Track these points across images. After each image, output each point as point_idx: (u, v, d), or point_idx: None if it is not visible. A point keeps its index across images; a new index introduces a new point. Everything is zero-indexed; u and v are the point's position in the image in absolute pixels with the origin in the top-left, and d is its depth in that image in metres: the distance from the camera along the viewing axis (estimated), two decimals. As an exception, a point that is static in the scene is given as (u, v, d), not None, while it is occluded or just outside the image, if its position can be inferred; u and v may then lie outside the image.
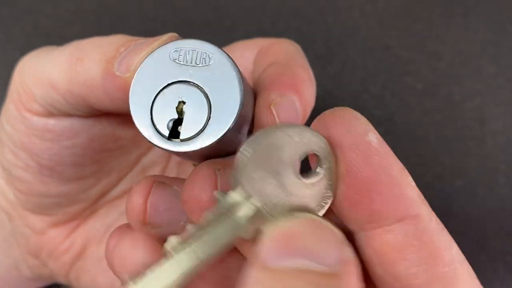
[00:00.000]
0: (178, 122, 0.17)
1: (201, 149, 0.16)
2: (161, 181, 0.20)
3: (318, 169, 0.15)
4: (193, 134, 0.16)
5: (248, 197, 0.15)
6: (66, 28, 0.35)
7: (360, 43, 0.35)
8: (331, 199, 0.16)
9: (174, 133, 0.17)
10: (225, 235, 0.15)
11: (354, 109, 0.18)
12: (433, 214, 0.15)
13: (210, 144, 0.16)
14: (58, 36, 0.35)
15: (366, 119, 0.16)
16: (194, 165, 0.20)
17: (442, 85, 0.34)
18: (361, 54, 0.35)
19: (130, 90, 0.17)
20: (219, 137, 0.16)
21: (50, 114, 0.21)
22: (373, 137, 0.16)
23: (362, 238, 0.15)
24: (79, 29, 0.35)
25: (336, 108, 0.17)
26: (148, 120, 0.17)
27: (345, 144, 0.15)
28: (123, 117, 0.23)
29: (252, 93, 0.19)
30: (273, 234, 0.14)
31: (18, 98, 0.21)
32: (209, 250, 0.15)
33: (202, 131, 0.16)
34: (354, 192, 0.15)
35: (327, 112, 0.16)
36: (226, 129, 0.16)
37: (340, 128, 0.16)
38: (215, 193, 0.16)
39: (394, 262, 0.15)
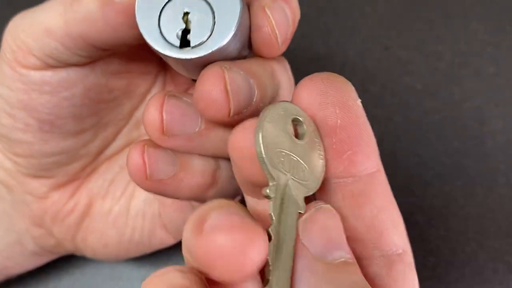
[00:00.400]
0: (186, 31, 0.18)
1: (212, 52, 0.18)
2: (172, 94, 0.21)
3: (306, 130, 0.17)
4: (202, 40, 0.18)
5: (285, 178, 0.17)
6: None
7: (360, 43, 0.35)
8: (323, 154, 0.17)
9: (184, 42, 0.18)
10: (294, 220, 0.16)
11: None
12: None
13: (220, 47, 0.18)
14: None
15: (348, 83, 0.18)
16: (193, 80, 0.21)
17: (442, 85, 0.34)
18: (360, 54, 0.35)
19: (136, 8, 0.18)
20: (227, 39, 0.18)
21: (47, 66, 0.21)
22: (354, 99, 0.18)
23: (333, 185, 0.17)
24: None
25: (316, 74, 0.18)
26: (158, 34, 0.18)
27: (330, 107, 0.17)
28: (115, 65, 0.23)
29: (247, 7, 0.20)
30: (312, 225, 0.16)
31: (12, 57, 0.21)
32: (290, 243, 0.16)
33: (210, 36, 0.18)
34: (340, 147, 0.17)
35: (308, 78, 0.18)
36: (232, 30, 0.18)
37: (332, 93, 0.18)
38: (264, 191, 0.16)
39: (360, 206, 0.17)
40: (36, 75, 0.21)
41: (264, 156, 0.16)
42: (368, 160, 0.17)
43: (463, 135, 0.32)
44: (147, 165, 0.21)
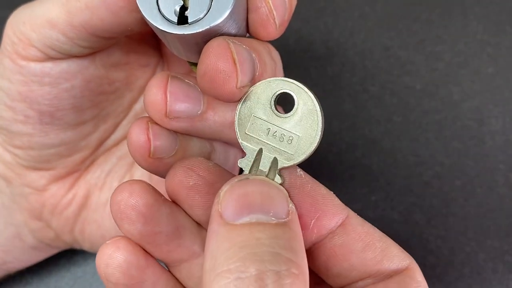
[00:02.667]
0: (184, 8, 0.18)
1: (209, 29, 0.18)
2: (175, 75, 0.21)
3: (298, 104, 0.19)
4: (199, 17, 0.18)
5: (260, 150, 0.19)
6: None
7: (360, 43, 0.35)
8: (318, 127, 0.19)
9: (182, 19, 0.18)
10: None
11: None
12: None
13: (216, 24, 0.18)
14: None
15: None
16: (190, 63, 0.22)
17: (441, 85, 0.34)
18: (360, 54, 0.35)
19: None
20: (224, 16, 0.18)
21: (47, 57, 0.21)
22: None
23: (313, 251, 0.19)
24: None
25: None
26: (156, 11, 0.18)
27: None
28: (115, 56, 0.24)
29: None
30: (230, 193, 0.17)
31: (12, 50, 0.21)
32: None
33: (207, 13, 0.18)
34: (304, 221, 0.19)
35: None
36: (229, 8, 0.18)
37: None
38: (239, 161, 0.19)
39: (345, 258, 0.19)
40: (37, 66, 0.21)
41: (236, 123, 0.19)
42: (333, 218, 0.19)
43: (462, 135, 0.32)
44: (151, 142, 0.21)
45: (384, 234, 0.19)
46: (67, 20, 0.20)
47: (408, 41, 0.35)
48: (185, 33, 0.18)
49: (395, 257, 0.19)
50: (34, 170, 0.25)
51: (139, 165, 0.21)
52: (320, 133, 0.18)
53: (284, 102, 0.20)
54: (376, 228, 0.19)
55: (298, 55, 0.35)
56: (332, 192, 0.20)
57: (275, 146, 0.19)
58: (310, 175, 0.20)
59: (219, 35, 0.19)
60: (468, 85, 0.34)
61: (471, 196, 0.31)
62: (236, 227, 0.16)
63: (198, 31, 0.18)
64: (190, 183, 0.19)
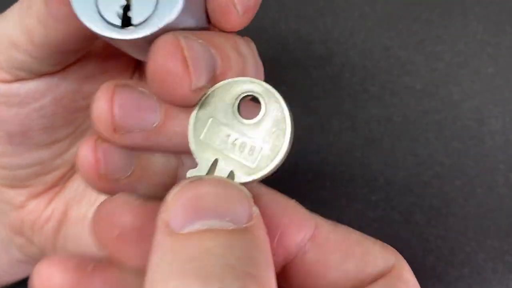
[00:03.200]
0: (127, 8, 0.15)
1: (159, 30, 0.15)
2: (124, 84, 0.18)
3: (265, 109, 0.16)
4: (146, 16, 0.15)
5: (215, 162, 0.16)
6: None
7: (359, 43, 0.35)
8: (284, 136, 0.16)
9: (126, 21, 0.15)
10: None
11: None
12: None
13: (168, 23, 0.15)
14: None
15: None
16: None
17: (441, 85, 0.34)
18: (360, 54, 0.35)
19: None
20: (175, 13, 0.15)
21: (16, 78, 0.20)
22: None
23: (287, 268, 0.17)
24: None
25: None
26: (96, 14, 0.15)
27: None
28: (90, 67, 0.22)
29: None
30: (178, 197, 0.14)
31: None
32: None
33: (155, 11, 0.15)
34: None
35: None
36: (180, 2, 0.15)
37: None
38: (188, 173, 0.16)
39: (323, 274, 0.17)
40: (3, 87, 0.20)
41: (191, 127, 0.16)
42: (300, 232, 0.17)
43: (462, 135, 0.32)
44: (101, 163, 0.18)
45: (360, 233, 0.17)
46: (27, 40, 0.19)
47: (408, 41, 0.35)
48: (130, 38, 0.15)
49: (379, 258, 0.17)
50: (11, 188, 0.24)
51: (92, 189, 0.19)
52: (286, 147, 0.16)
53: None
54: (350, 229, 0.17)
55: (297, 55, 0.35)
56: (294, 201, 0.17)
57: (234, 157, 0.16)
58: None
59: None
60: (468, 85, 0.34)
61: (471, 196, 0.31)
62: (183, 237, 0.14)
63: (145, 35, 0.15)
64: (115, 233, 0.17)
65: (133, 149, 0.19)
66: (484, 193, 0.31)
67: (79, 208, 0.25)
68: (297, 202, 0.17)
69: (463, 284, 0.29)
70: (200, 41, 0.16)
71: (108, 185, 0.19)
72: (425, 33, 0.35)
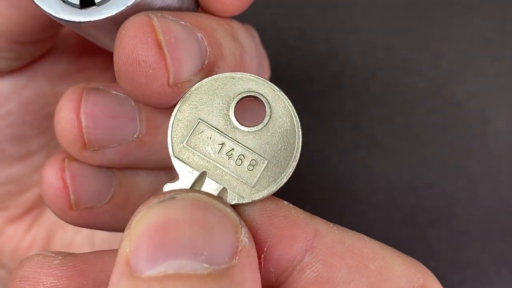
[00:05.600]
0: None
1: (127, 9, 0.12)
2: (94, 87, 0.15)
3: (268, 114, 0.13)
4: None
5: (202, 175, 0.13)
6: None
7: (362, 42, 0.35)
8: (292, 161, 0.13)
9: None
10: None
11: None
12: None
13: (136, 2, 0.12)
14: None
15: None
16: None
17: (444, 84, 0.34)
18: (363, 53, 0.35)
19: None
20: None
21: None
22: None
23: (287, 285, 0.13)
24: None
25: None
26: None
27: None
28: (63, 64, 0.19)
29: None
30: (142, 225, 0.11)
31: None
32: None
33: None
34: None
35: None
36: None
37: None
38: (165, 188, 0.13)
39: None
40: None
41: (171, 129, 0.13)
42: (294, 243, 0.13)
43: (466, 135, 0.32)
44: (69, 188, 0.15)
45: (377, 242, 0.14)
46: None
47: (411, 39, 0.35)
48: (92, 19, 0.12)
49: (402, 278, 0.13)
50: None
51: (62, 220, 0.16)
52: (295, 162, 0.13)
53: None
54: (362, 236, 0.14)
55: (299, 53, 0.35)
56: (286, 203, 0.14)
57: (228, 170, 0.13)
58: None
59: None
60: (471, 85, 0.34)
61: (475, 197, 0.31)
62: (143, 282, 0.10)
63: (111, 14, 0.12)
64: None
65: (110, 168, 0.16)
66: (488, 194, 0.31)
67: (64, 234, 0.21)
68: (290, 204, 0.14)
69: (466, 286, 0.29)
70: (183, 22, 0.13)
71: (81, 216, 0.16)
72: (428, 31, 0.35)
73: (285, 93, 0.14)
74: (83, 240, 0.21)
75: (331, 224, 0.14)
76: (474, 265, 0.30)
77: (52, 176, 0.15)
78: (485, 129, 0.32)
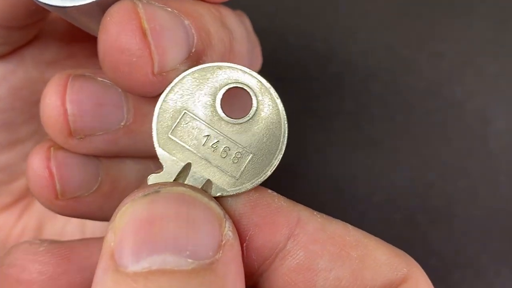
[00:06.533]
0: None
1: None
2: (80, 74, 0.15)
3: (256, 106, 0.13)
4: None
5: (187, 166, 0.13)
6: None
7: (361, 42, 0.35)
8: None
9: None
10: None
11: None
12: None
13: None
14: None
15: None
16: None
17: (444, 84, 0.34)
18: (362, 53, 0.35)
19: None
20: None
21: None
22: None
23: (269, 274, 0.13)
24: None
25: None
26: None
27: None
28: (52, 50, 0.18)
29: None
30: (127, 219, 0.11)
31: None
32: None
33: None
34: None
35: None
36: None
37: None
38: (150, 179, 0.13)
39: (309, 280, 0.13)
40: None
41: (155, 119, 0.13)
42: (277, 229, 0.13)
43: (466, 135, 0.32)
44: (55, 178, 0.15)
45: (360, 231, 0.14)
46: None
47: (411, 39, 0.35)
48: (74, 4, 0.12)
49: (384, 266, 0.13)
50: None
51: (48, 210, 0.16)
52: (280, 155, 0.13)
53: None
54: (346, 225, 0.13)
55: (298, 52, 0.35)
56: (270, 191, 0.14)
57: (213, 162, 0.13)
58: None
59: None
60: (471, 85, 0.33)
61: (475, 197, 0.31)
62: (128, 278, 0.10)
63: (90, 1, 0.12)
64: None
65: (97, 157, 0.15)
66: (488, 194, 0.31)
67: (55, 224, 0.21)
68: (274, 192, 0.14)
69: (466, 286, 0.29)
70: (169, 9, 0.13)
71: (68, 205, 0.15)
72: (428, 31, 0.35)
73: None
74: (73, 229, 0.21)
75: (315, 212, 0.13)
76: (474, 265, 0.30)
77: (37, 165, 0.15)
78: (485, 129, 0.32)
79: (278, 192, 0.14)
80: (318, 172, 0.31)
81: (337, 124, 0.33)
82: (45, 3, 0.12)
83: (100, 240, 0.12)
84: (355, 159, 0.32)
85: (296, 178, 0.31)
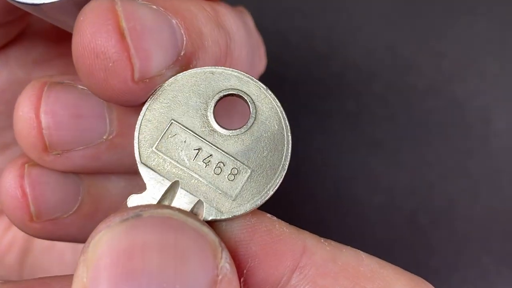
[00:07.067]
0: None
1: None
2: (58, 81, 0.13)
3: (254, 117, 0.11)
4: None
5: (174, 185, 0.11)
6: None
7: (362, 42, 0.35)
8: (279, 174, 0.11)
9: None
10: None
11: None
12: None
13: None
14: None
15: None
16: None
17: (446, 84, 0.34)
18: (363, 53, 0.35)
19: None
20: None
21: None
22: None
23: None
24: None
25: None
26: None
27: None
28: (39, 49, 0.17)
29: None
30: (102, 249, 0.09)
31: None
32: None
33: None
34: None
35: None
36: None
37: None
38: (129, 200, 0.11)
39: None
40: None
41: (138, 132, 0.11)
42: (279, 262, 0.11)
43: (467, 135, 0.32)
44: (29, 198, 0.13)
45: (380, 261, 0.12)
46: None
47: (412, 39, 0.35)
48: (46, 2, 0.11)
49: None
50: None
51: (23, 232, 0.14)
52: (284, 172, 0.11)
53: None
54: (358, 252, 0.12)
55: (300, 52, 0.35)
56: (269, 215, 0.12)
57: (204, 180, 0.11)
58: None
59: None
60: (473, 84, 0.33)
61: (476, 197, 0.31)
62: None
63: None
64: None
65: (77, 173, 0.14)
66: (489, 195, 0.31)
67: None
68: (274, 217, 0.12)
69: (467, 287, 0.29)
70: (154, 6, 0.11)
71: (44, 228, 0.14)
72: (429, 31, 0.35)
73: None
74: (64, 243, 0.19)
75: (322, 240, 0.12)
76: (475, 265, 0.29)
77: (10, 184, 0.13)
78: (487, 129, 0.32)
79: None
80: (318, 172, 0.31)
81: (338, 124, 0.33)
82: (17, 1, 0.11)
83: (64, 278, 0.11)
84: (356, 159, 0.32)
85: (296, 178, 0.31)
